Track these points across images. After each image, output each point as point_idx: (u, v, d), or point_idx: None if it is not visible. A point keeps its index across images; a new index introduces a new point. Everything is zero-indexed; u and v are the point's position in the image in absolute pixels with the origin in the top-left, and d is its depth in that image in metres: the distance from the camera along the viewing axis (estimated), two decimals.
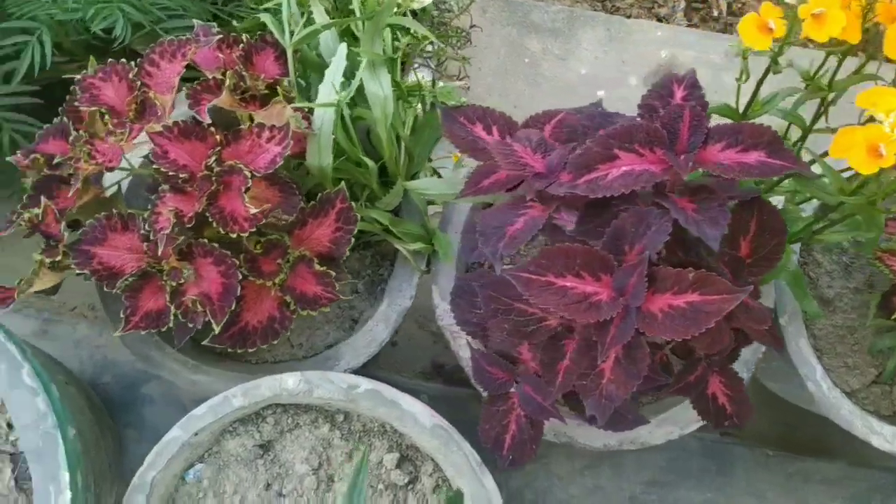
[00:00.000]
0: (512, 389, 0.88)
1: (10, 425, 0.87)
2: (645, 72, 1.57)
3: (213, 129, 0.79)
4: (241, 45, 0.84)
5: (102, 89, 0.82)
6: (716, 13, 1.72)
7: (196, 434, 0.88)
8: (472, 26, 1.30)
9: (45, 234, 0.86)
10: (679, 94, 0.73)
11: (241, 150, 0.79)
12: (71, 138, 0.84)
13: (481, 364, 0.88)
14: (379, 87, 0.87)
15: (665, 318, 0.65)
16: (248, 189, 0.76)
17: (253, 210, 0.75)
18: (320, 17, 0.89)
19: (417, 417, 0.89)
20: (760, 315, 0.72)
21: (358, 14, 0.87)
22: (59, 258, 0.83)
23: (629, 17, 1.68)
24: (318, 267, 0.85)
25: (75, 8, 0.91)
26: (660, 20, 1.70)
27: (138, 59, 0.83)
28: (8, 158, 0.89)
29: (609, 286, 0.68)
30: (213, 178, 0.77)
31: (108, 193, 0.91)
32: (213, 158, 0.78)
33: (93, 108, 0.82)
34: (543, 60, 1.56)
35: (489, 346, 0.91)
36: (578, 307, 0.66)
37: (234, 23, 0.91)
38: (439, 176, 1.07)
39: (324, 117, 0.84)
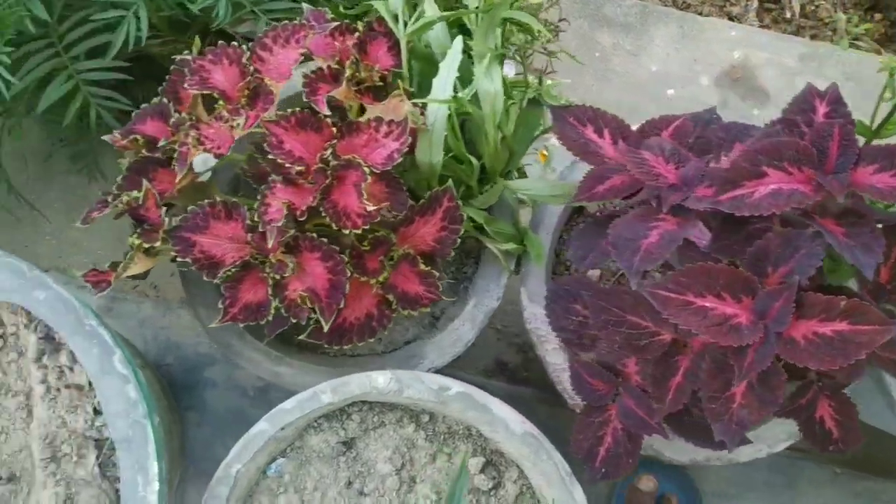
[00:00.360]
0: (611, 402, 0.86)
1: (96, 410, 0.85)
2: (717, 72, 1.53)
3: (328, 120, 0.76)
4: (356, 34, 0.81)
5: (212, 72, 0.79)
6: (788, 15, 1.67)
7: (283, 428, 0.86)
8: (560, 20, 1.26)
9: (140, 218, 0.84)
10: (821, 109, 0.70)
11: (356, 143, 0.76)
12: (173, 121, 0.82)
13: (582, 374, 0.86)
14: (490, 83, 0.84)
15: (808, 346, 0.63)
16: (365, 185, 0.73)
17: (370, 207, 0.72)
18: (430, 8, 0.86)
19: (508, 424, 0.87)
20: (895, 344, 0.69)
21: (472, 7, 0.84)
22: (157, 244, 0.81)
23: (701, 14, 1.64)
24: (422, 266, 0.82)
25: None
26: (731, 19, 1.66)
27: (250, 43, 0.80)
28: (104, 137, 0.86)
29: (749, 309, 0.65)
30: (329, 172, 0.75)
31: (203, 178, 0.89)
32: (329, 151, 0.75)
33: (203, 91, 0.79)
34: (614, 55, 1.52)
35: (586, 354, 0.88)
36: (719, 329, 0.64)
37: (341, 8, 0.88)
38: (525, 175, 1.04)
39: (437, 113, 0.81)
